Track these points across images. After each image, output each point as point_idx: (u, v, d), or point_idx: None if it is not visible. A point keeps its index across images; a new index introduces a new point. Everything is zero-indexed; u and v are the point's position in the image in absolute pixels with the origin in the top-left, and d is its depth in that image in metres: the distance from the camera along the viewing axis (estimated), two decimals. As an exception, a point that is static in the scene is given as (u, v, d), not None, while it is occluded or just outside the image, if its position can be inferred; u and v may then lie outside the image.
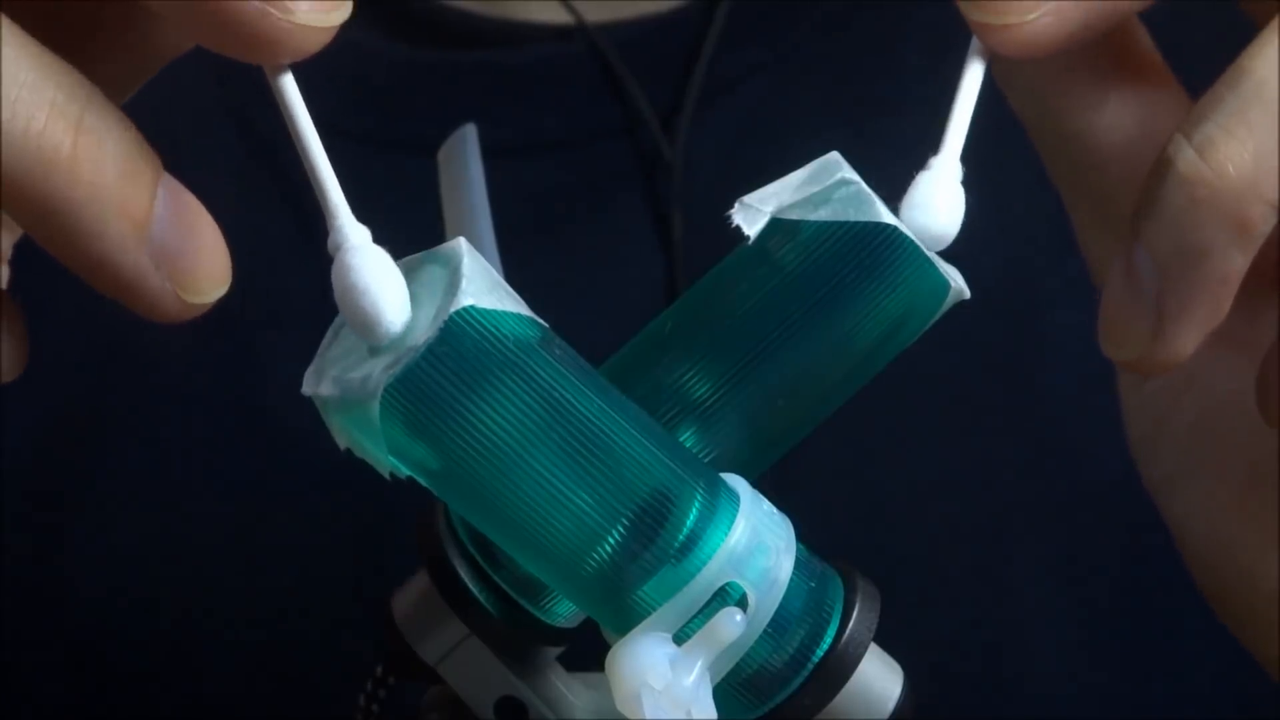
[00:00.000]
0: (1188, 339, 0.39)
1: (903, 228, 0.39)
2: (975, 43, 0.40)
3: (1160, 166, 0.38)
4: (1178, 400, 0.46)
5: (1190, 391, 0.45)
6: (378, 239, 0.36)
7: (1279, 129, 0.37)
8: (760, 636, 0.38)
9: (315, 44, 0.36)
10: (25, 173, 0.35)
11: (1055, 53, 0.39)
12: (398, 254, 0.37)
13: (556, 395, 0.37)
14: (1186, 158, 0.37)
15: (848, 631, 0.39)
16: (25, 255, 0.42)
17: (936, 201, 0.39)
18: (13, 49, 0.35)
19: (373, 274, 0.36)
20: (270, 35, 0.35)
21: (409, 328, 0.36)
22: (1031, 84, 0.43)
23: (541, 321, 0.37)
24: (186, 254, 0.36)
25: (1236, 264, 0.38)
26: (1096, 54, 0.42)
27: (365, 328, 0.36)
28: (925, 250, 0.39)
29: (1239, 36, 0.39)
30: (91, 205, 0.35)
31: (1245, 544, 0.45)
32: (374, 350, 0.36)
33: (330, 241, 0.36)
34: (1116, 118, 0.42)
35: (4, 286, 0.40)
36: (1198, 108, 0.38)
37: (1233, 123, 0.37)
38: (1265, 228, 0.38)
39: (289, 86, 0.37)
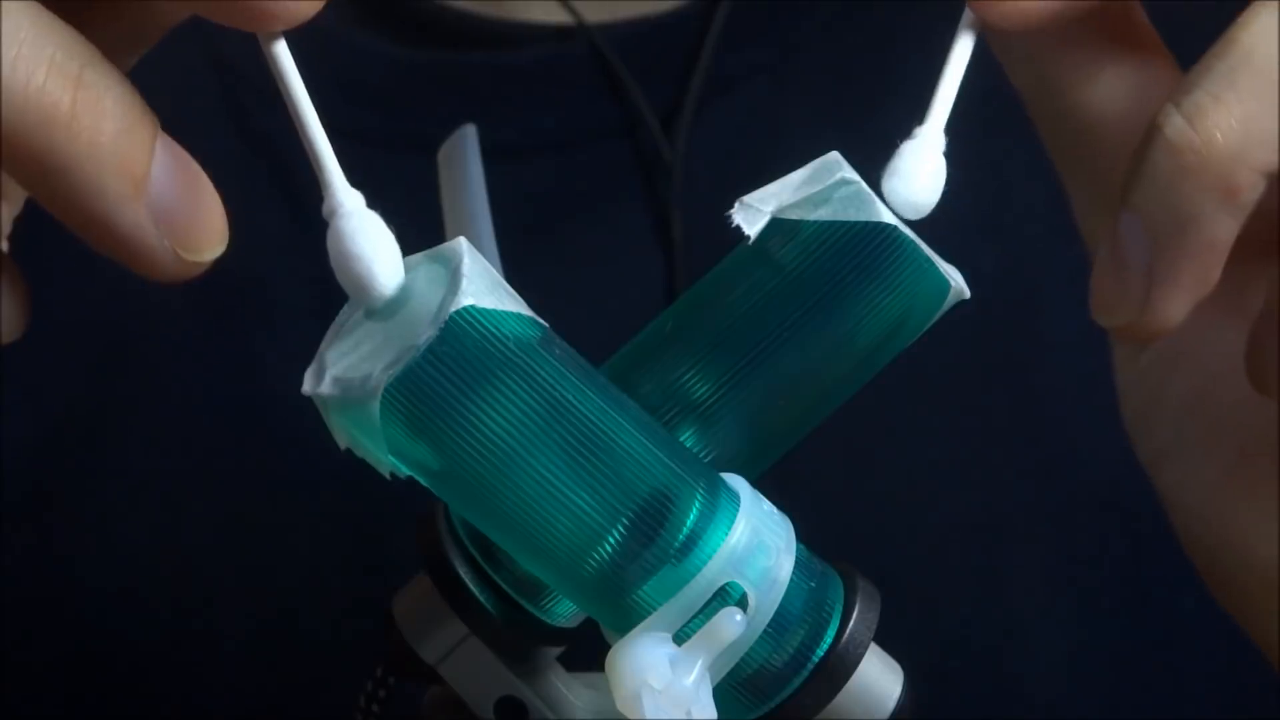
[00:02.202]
0: (1177, 305, 0.39)
1: (902, 227, 0.39)
2: (967, 14, 0.40)
3: (1150, 134, 0.38)
4: (1171, 374, 0.46)
5: (1183, 365, 0.46)
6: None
7: (1267, 97, 0.37)
8: (760, 636, 0.38)
9: (307, 12, 0.36)
10: (25, 129, 0.35)
11: (1047, 26, 0.40)
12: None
13: (557, 395, 0.37)
14: (1175, 125, 0.38)
15: (848, 631, 0.39)
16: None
17: (918, 171, 0.39)
18: (12, 7, 0.35)
19: (366, 238, 0.36)
20: (264, 4, 0.36)
21: (405, 308, 0.36)
22: (1029, 57, 0.43)
23: (542, 321, 0.37)
24: (184, 211, 0.36)
25: (1225, 230, 0.38)
26: (1091, 27, 0.42)
27: (359, 291, 0.36)
28: (925, 250, 0.39)
29: (1231, 10, 0.39)
30: (90, 161, 0.35)
31: (1238, 518, 0.45)
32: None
33: (325, 208, 0.37)
34: (1111, 90, 0.43)
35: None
36: (1188, 77, 0.38)
37: (1221, 90, 0.38)
38: (1253, 194, 0.38)
39: (283, 55, 0.37)
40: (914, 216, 0.39)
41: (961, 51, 0.40)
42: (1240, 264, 0.40)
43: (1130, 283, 0.39)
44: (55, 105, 0.35)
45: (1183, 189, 0.38)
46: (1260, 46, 0.38)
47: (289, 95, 0.37)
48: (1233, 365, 0.42)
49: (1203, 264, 0.39)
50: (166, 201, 0.36)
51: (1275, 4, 0.38)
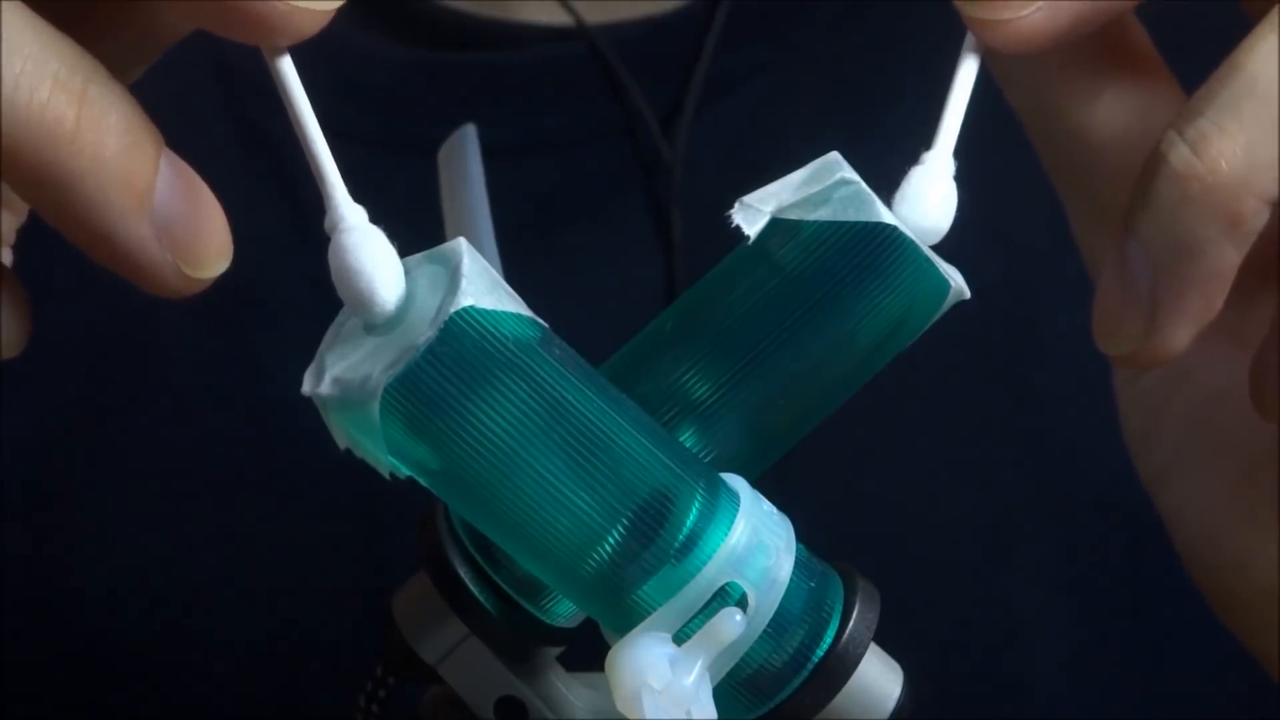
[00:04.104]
0: (1180, 333, 0.39)
1: (902, 227, 0.39)
2: (970, 38, 0.40)
3: (1154, 162, 0.38)
4: (1172, 394, 0.46)
5: (1185, 385, 0.46)
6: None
7: (1271, 125, 0.37)
8: (760, 636, 0.38)
9: (313, 26, 0.36)
10: (29, 144, 0.35)
11: (1049, 48, 0.39)
12: (398, 254, 0.37)
13: (556, 395, 0.37)
14: (1180, 153, 0.38)
15: (848, 631, 0.39)
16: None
17: (928, 196, 0.39)
18: (15, 22, 0.35)
19: (368, 253, 0.36)
20: (269, 18, 0.36)
21: (405, 314, 0.36)
22: (1028, 78, 0.43)
23: (541, 321, 0.37)
24: (188, 227, 0.36)
25: (1229, 259, 0.38)
26: (1092, 49, 0.42)
27: (360, 306, 0.36)
28: (925, 250, 0.39)
29: (1235, 34, 0.39)
30: (94, 177, 0.35)
31: (1238, 538, 0.45)
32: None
33: (326, 222, 0.37)
34: (1112, 112, 0.43)
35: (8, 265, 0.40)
36: (1191, 103, 0.38)
37: (1225, 118, 0.38)
38: (1258, 222, 0.38)
39: (287, 69, 0.37)
40: (927, 242, 0.39)
41: (966, 75, 0.40)
42: (1243, 288, 0.40)
43: (1133, 311, 0.39)
44: (59, 121, 0.35)
45: (1187, 217, 0.38)
46: (1264, 73, 0.38)
47: (292, 107, 0.37)
48: (1235, 386, 0.42)
49: (1206, 292, 0.39)
50: (170, 217, 0.36)
51: (1279, 29, 0.38)
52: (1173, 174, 0.38)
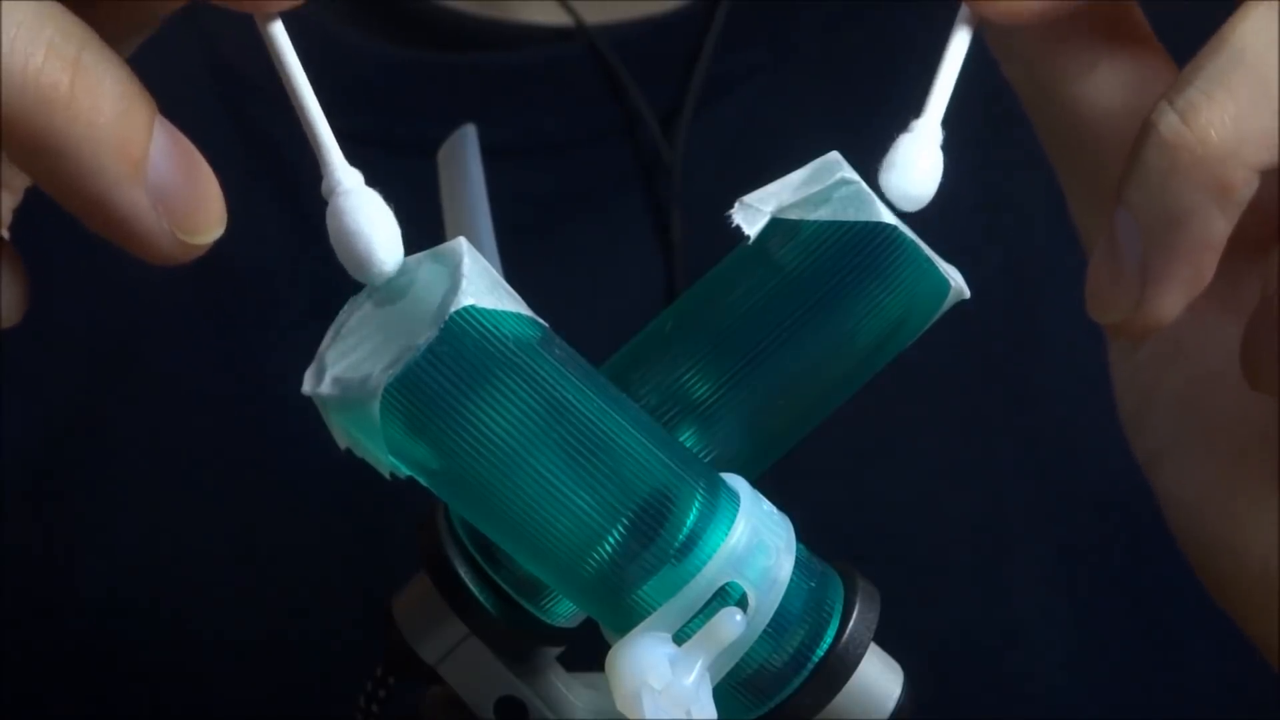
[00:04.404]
0: (1171, 302, 0.39)
1: (902, 226, 0.39)
2: (964, 10, 0.40)
3: (1144, 131, 0.39)
4: (1166, 371, 0.46)
5: (1179, 361, 0.46)
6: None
7: (1259, 94, 0.38)
8: (760, 636, 0.38)
9: None
10: (24, 110, 0.35)
11: (1042, 20, 0.40)
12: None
13: (556, 395, 0.37)
14: (1169, 122, 0.38)
15: (848, 631, 0.39)
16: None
17: (915, 163, 0.39)
18: None
19: (366, 216, 0.36)
20: None
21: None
22: (1025, 51, 0.43)
23: (541, 321, 0.37)
24: (182, 193, 0.37)
25: (1219, 228, 0.39)
26: (1088, 24, 0.43)
27: (359, 269, 0.36)
28: (925, 250, 0.39)
29: (1225, 9, 0.39)
30: (89, 143, 0.35)
31: (1235, 515, 0.45)
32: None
33: (324, 186, 0.37)
34: (1107, 86, 0.43)
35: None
36: (1182, 75, 0.39)
37: (1214, 88, 0.38)
38: (1247, 191, 0.38)
39: (280, 36, 0.37)
40: (910, 209, 0.39)
41: (958, 46, 0.40)
42: (1234, 259, 0.40)
43: (1125, 279, 0.39)
44: (54, 87, 0.35)
45: (1176, 186, 0.38)
46: (1252, 44, 0.38)
47: (286, 77, 0.37)
48: (1228, 361, 0.43)
49: (1196, 260, 0.39)
50: (164, 183, 0.36)
51: (1267, 2, 0.38)
52: (1162, 143, 0.38)
